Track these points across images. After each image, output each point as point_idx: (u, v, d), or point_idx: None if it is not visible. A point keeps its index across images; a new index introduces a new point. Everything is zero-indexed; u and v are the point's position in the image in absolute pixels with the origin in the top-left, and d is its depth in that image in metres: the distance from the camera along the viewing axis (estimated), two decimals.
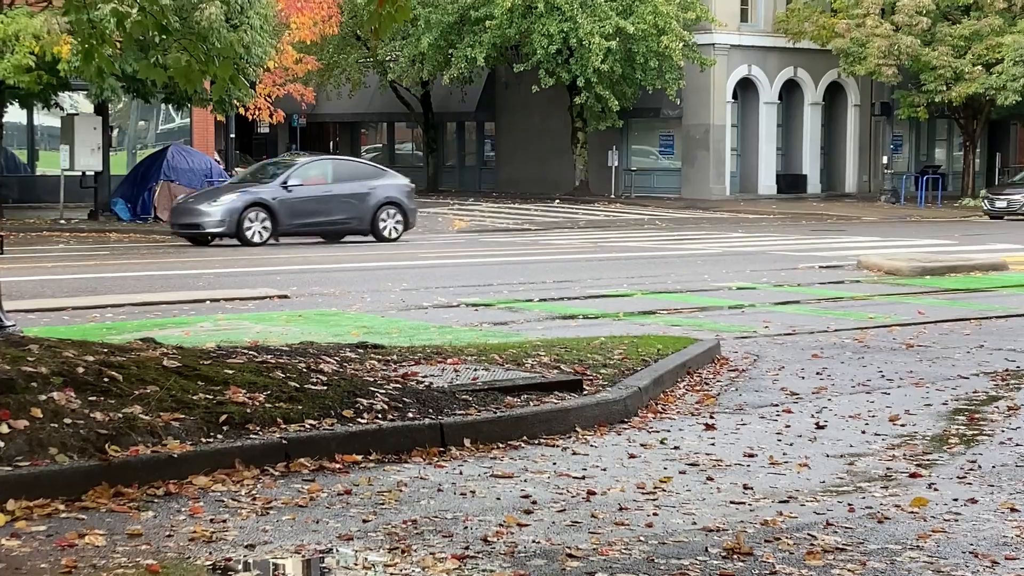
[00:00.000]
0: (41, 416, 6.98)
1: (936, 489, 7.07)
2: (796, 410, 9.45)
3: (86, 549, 5.76)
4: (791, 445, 8.25)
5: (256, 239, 25.97)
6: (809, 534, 6.14)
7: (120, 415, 7.18)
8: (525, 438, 8.19)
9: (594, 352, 10.77)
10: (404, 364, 9.73)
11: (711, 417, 9.13)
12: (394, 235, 27.00)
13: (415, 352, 10.47)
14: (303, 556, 5.78)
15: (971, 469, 7.58)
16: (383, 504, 6.59)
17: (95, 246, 27.00)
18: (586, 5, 40.85)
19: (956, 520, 6.44)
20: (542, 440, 8.21)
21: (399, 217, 26.85)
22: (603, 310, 15.41)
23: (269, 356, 9.19)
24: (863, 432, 8.67)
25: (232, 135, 38.92)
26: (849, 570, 5.61)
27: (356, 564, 5.70)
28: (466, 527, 6.20)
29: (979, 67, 42.68)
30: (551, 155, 48.98)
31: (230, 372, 8.24)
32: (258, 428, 7.45)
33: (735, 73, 46.16)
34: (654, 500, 6.77)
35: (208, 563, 5.63)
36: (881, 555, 5.84)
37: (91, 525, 6.11)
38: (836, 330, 13.88)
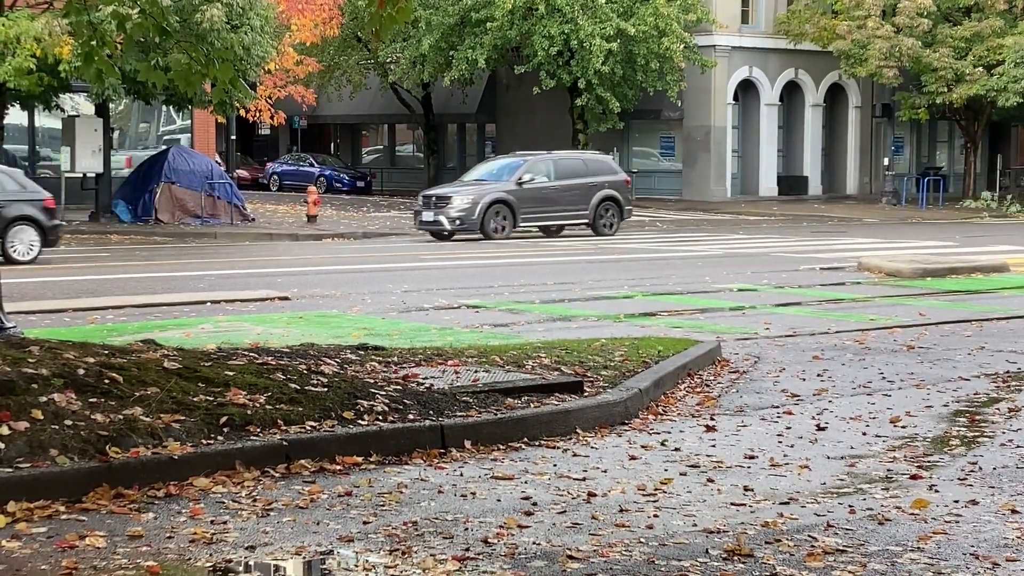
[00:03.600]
0: (42, 418, 6.98)
1: (937, 491, 7.06)
2: (797, 412, 9.44)
3: (87, 551, 5.76)
4: (792, 447, 8.24)
5: None
6: (810, 536, 6.14)
7: (121, 417, 7.18)
8: (526, 440, 8.19)
9: (595, 354, 10.77)
10: (405, 366, 9.73)
11: (712, 419, 9.13)
12: None
13: (416, 354, 10.46)
14: (304, 557, 5.77)
15: (972, 471, 7.57)
16: (384, 506, 6.59)
17: (96, 248, 27.02)
18: (587, 7, 40.83)
19: (957, 522, 6.44)
20: (543, 442, 8.21)
21: None
22: (604, 312, 15.41)
23: (270, 358, 9.19)
24: (864, 434, 8.66)
25: (233, 137, 38.98)
26: (850, 572, 5.61)
27: (356, 566, 5.69)
28: (467, 529, 6.20)
29: (980, 69, 42.66)
30: None
31: (231, 374, 8.24)
32: (259, 430, 7.45)
33: (736, 75, 46.17)
34: (655, 502, 6.76)
35: (208, 564, 5.63)
36: (882, 557, 5.83)
37: (92, 526, 6.11)
38: (837, 332, 13.87)
